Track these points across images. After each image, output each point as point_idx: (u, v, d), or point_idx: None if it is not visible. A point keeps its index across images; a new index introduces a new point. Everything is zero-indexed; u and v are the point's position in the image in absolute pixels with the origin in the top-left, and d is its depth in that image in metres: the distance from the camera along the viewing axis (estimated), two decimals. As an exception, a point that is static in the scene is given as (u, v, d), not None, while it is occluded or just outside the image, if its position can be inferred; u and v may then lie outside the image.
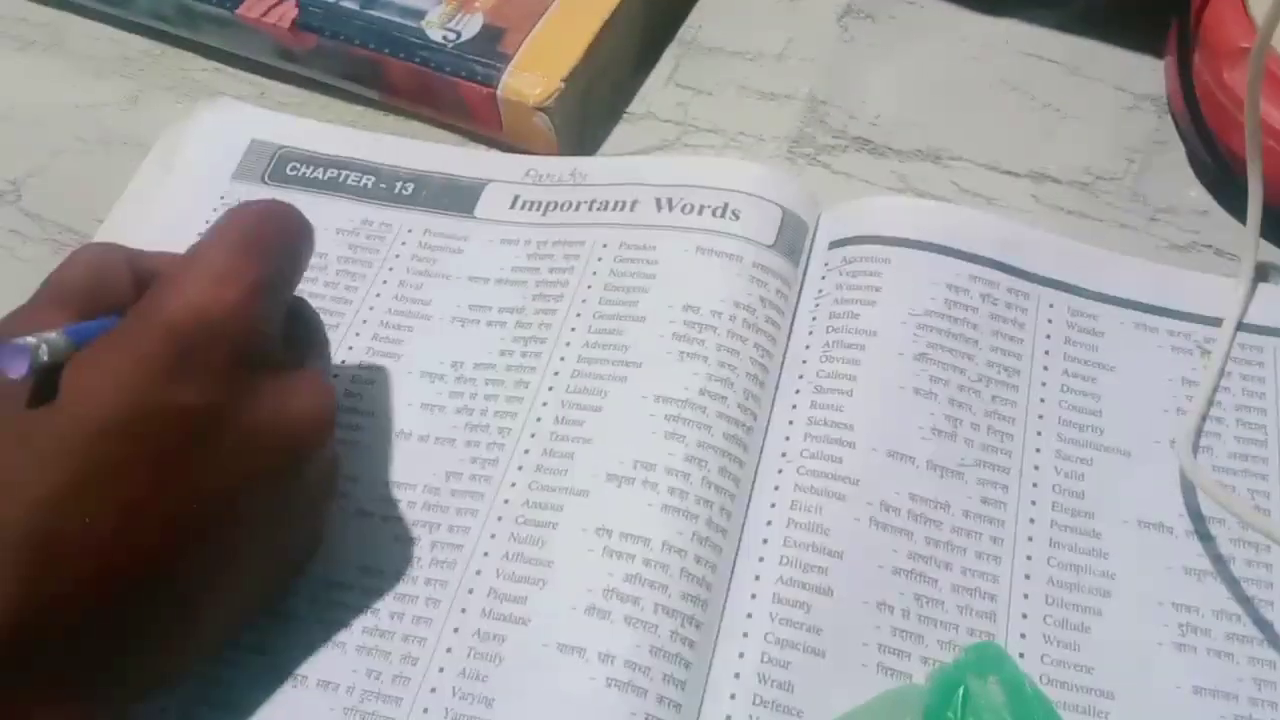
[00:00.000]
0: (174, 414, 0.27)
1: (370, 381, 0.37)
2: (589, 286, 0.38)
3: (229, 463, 0.28)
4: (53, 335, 0.27)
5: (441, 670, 0.31)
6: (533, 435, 0.35)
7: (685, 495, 0.33)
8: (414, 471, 0.35)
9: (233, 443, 0.28)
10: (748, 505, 0.34)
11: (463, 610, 0.32)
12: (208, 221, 0.41)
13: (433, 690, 0.31)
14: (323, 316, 0.38)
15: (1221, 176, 0.40)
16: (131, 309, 0.28)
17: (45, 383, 0.27)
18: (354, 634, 0.32)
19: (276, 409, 0.29)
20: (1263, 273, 0.38)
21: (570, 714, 0.30)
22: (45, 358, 0.26)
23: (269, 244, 0.30)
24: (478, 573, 0.33)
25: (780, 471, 0.34)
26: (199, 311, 0.28)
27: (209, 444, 0.27)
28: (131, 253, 0.31)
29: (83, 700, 0.27)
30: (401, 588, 0.33)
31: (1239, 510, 0.32)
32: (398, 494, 0.35)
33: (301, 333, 0.33)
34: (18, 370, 0.26)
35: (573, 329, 0.37)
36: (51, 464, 0.26)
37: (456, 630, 0.32)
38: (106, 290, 0.30)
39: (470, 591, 0.33)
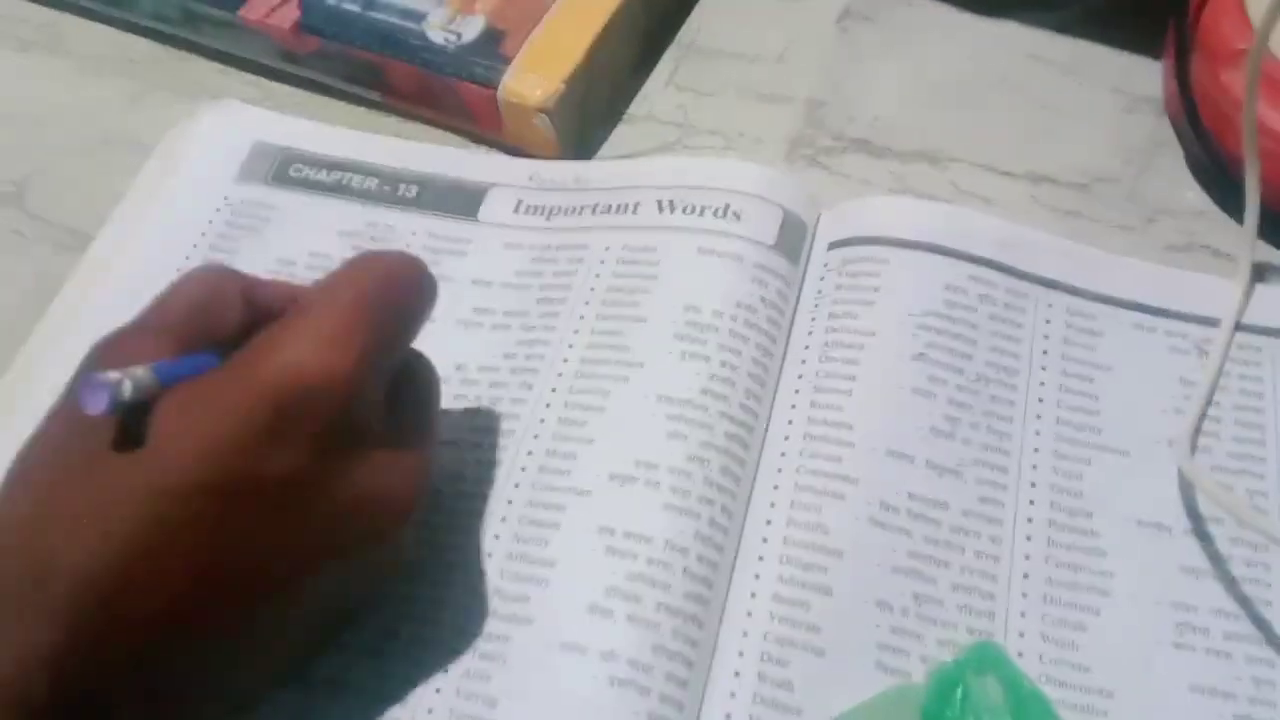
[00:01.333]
0: (259, 483, 0.26)
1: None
2: (592, 289, 0.38)
3: (304, 536, 0.27)
4: (140, 372, 0.25)
5: (446, 670, 0.31)
6: (536, 436, 0.35)
7: (688, 494, 0.33)
8: (417, 473, 0.35)
9: (312, 517, 0.27)
10: (748, 504, 0.34)
11: (466, 610, 0.32)
12: (210, 222, 0.41)
13: (437, 691, 0.31)
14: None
15: (1219, 177, 0.40)
16: (232, 359, 0.27)
17: (130, 421, 0.26)
18: (359, 634, 0.32)
19: (362, 489, 0.28)
20: (1260, 273, 0.38)
21: (573, 713, 0.30)
22: (127, 396, 0.25)
23: (386, 306, 0.29)
24: (481, 573, 0.33)
25: (780, 471, 0.35)
26: (300, 376, 0.26)
27: (288, 515, 0.27)
28: (248, 281, 0.30)
29: None
30: (406, 589, 0.33)
31: (1237, 510, 0.32)
32: (401, 495, 0.35)
33: (411, 395, 0.31)
34: (96, 407, 0.24)
35: (576, 331, 0.37)
36: (127, 514, 0.25)
37: (460, 631, 0.32)
38: (215, 321, 0.29)
39: (474, 592, 0.33)
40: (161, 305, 0.29)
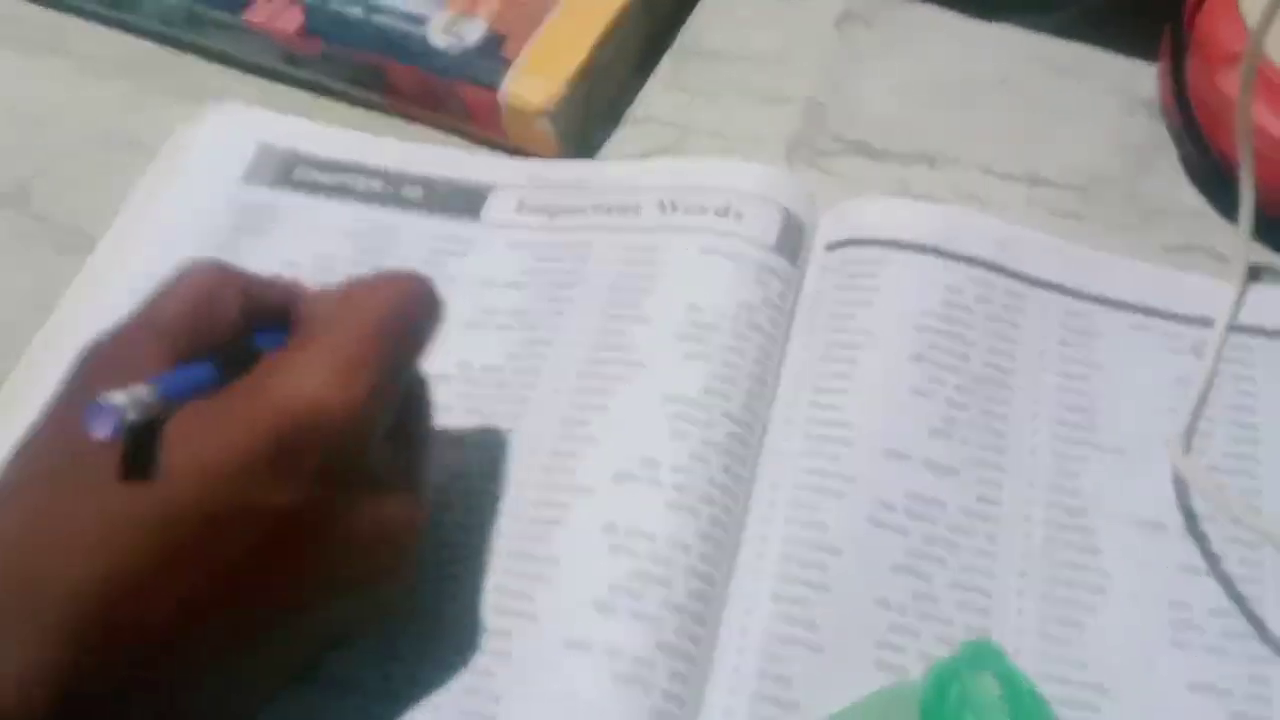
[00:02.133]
0: (266, 515, 0.26)
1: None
2: (595, 289, 0.38)
3: (304, 569, 0.27)
4: (142, 391, 0.25)
5: (450, 668, 0.31)
6: (539, 435, 0.35)
7: (690, 493, 0.34)
8: (421, 472, 0.35)
9: (313, 551, 0.27)
10: (748, 503, 0.34)
11: (470, 607, 0.32)
12: (216, 225, 0.41)
13: (442, 687, 0.31)
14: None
15: (1215, 179, 0.41)
16: (242, 381, 0.27)
17: (134, 443, 0.25)
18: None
19: (365, 525, 0.27)
20: (1254, 274, 0.38)
21: (578, 710, 0.30)
22: (133, 417, 0.25)
23: (399, 333, 0.28)
24: (486, 571, 0.33)
25: (780, 470, 0.35)
26: (310, 408, 0.26)
27: (289, 549, 0.26)
28: (246, 280, 0.29)
29: None
30: (409, 587, 0.33)
31: (1231, 508, 0.32)
32: (405, 494, 0.35)
33: (411, 418, 0.31)
34: (103, 431, 0.24)
35: (579, 330, 0.37)
36: (131, 541, 0.25)
37: (465, 627, 0.32)
38: (213, 323, 0.28)
39: (478, 589, 0.33)
40: (157, 305, 0.28)
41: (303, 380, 0.26)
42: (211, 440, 0.25)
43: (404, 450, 0.30)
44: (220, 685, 0.27)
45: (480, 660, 0.32)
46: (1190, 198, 0.41)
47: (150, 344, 0.27)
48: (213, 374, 0.27)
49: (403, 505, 0.28)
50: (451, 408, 0.36)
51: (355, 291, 0.29)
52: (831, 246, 0.39)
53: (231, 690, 0.28)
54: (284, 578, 0.27)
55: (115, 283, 0.39)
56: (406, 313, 0.29)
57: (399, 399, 0.29)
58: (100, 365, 0.27)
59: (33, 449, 0.27)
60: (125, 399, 0.24)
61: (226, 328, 0.28)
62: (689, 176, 0.41)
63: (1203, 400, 0.36)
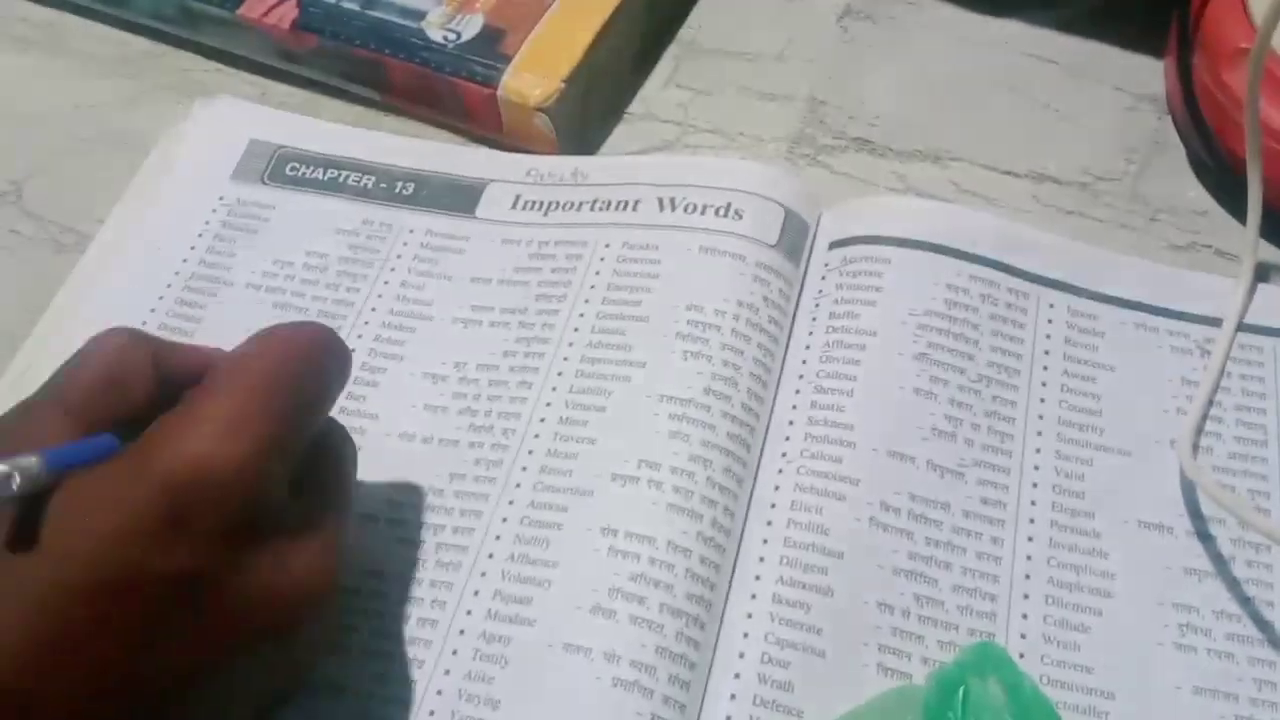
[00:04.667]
0: (161, 579, 0.25)
1: (373, 383, 0.37)
2: (592, 286, 0.38)
3: (213, 629, 0.26)
4: (28, 462, 0.24)
5: (447, 672, 0.31)
6: (537, 436, 0.35)
7: (690, 495, 0.33)
8: (418, 473, 0.35)
9: (219, 610, 0.26)
10: (749, 505, 0.34)
11: (468, 612, 0.32)
12: (207, 223, 0.41)
13: (439, 693, 0.31)
14: (323, 319, 0.38)
15: (1221, 177, 0.40)
16: (129, 448, 0.26)
17: (24, 514, 0.24)
18: (359, 637, 0.32)
19: (271, 579, 0.26)
20: (1262, 273, 0.38)
21: (576, 714, 0.30)
22: (15, 489, 0.24)
23: (291, 386, 0.27)
24: (483, 574, 0.33)
25: (781, 472, 0.35)
26: (199, 467, 0.25)
27: (194, 610, 0.25)
28: (160, 347, 0.29)
29: None
30: (406, 590, 0.33)
31: (1239, 510, 0.32)
32: (402, 496, 0.35)
33: (323, 470, 0.30)
34: None
35: (576, 329, 0.37)
36: (25, 618, 0.24)
37: (462, 632, 0.32)
38: (124, 394, 0.27)
39: (475, 593, 0.33)
40: (67, 378, 0.28)
41: (188, 439, 0.25)
42: (100, 506, 0.25)
43: (313, 501, 0.29)
44: None
45: (478, 665, 0.31)
46: (1196, 195, 0.41)
47: (55, 420, 0.26)
48: (112, 444, 0.26)
49: (309, 556, 0.27)
50: (446, 407, 0.36)
51: (246, 347, 0.28)
52: (834, 245, 0.39)
53: None
54: (188, 640, 0.26)
55: (109, 283, 0.40)
56: (300, 363, 0.28)
57: (300, 450, 0.28)
58: (2, 441, 0.26)
59: None
60: (7, 468, 0.24)
61: (140, 397, 0.27)
62: (688, 174, 0.40)
63: (1210, 401, 0.35)
